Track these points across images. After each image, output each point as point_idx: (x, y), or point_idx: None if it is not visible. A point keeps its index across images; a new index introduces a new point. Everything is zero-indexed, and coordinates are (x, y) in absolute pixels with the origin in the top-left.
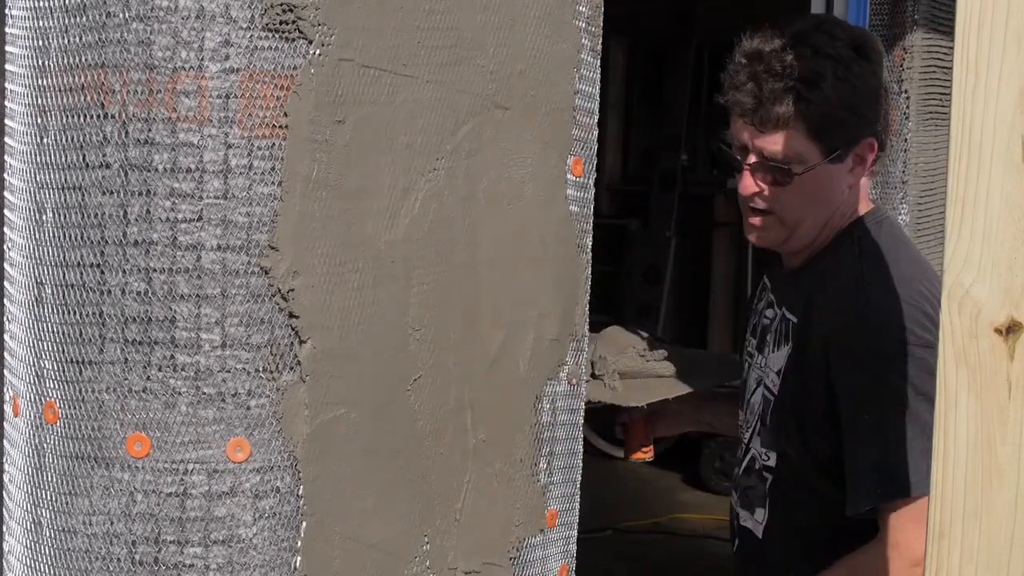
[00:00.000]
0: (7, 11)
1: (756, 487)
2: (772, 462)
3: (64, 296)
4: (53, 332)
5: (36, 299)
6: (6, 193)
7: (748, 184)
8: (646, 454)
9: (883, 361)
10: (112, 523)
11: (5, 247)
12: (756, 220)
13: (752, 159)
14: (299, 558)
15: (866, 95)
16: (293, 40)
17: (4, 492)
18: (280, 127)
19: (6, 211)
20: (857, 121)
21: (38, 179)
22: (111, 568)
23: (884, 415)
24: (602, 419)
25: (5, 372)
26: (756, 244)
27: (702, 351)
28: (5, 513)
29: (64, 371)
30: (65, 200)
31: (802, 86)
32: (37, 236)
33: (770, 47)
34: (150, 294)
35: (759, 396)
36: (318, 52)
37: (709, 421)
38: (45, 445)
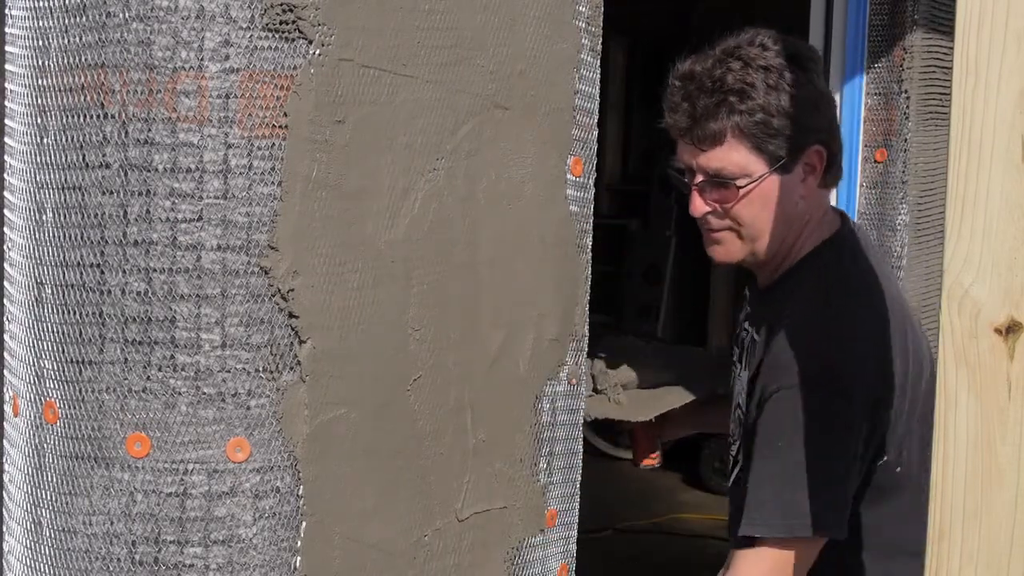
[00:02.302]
0: (7, 11)
1: (742, 500)
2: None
3: (64, 296)
4: (53, 332)
5: (36, 299)
6: (6, 193)
7: (698, 205)
8: (654, 460)
9: (794, 393)
10: (112, 523)
11: (5, 247)
12: (715, 235)
13: (698, 178)
14: (299, 558)
15: (804, 102)
16: (293, 40)
17: (4, 492)
18: (280, 127)
19: (6, 211)
20: (797, 128)
21: (38, 179)
22: (111, 568)
23: (766, 452)
24: (605, 423)
25: (5, 372)
26: (719, 261)
27: (700, 350)
28: (5, 513)
29: (64, 371)
30: (65, 200)
31: (734, 98)
32: (37, 236)
33: (701, 66)
34: (150, 294)
35: (738, 411)
36: (318, 52)
37: (714, 422)
38: (45, 445)
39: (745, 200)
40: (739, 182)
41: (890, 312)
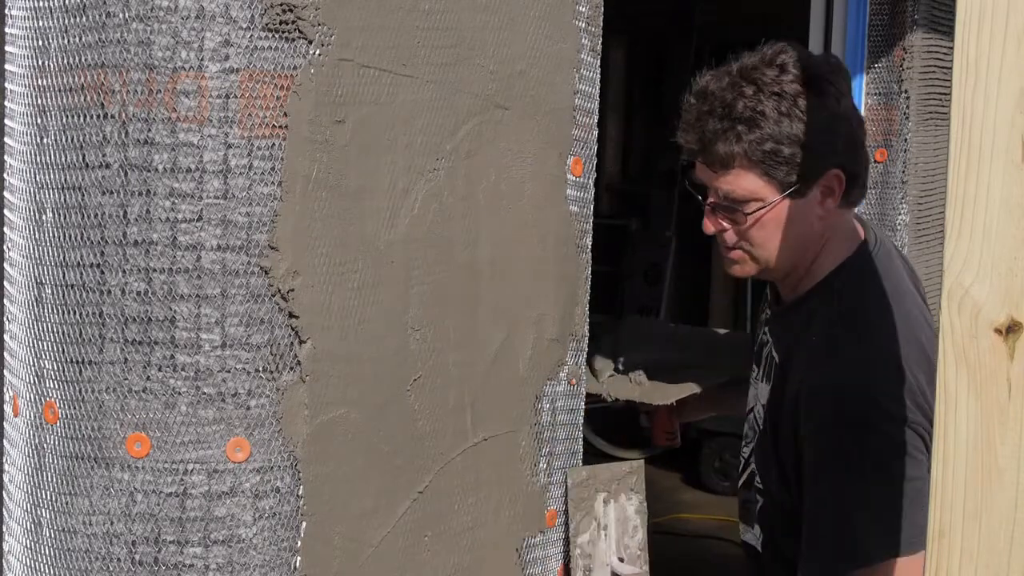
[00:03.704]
0: (7, 11)
1: (752, 503)
2: (763, 485)
3: (64, 296)
4: (53, 332)
5: (36, 299)
6: (6, 193)
7: (708, 224)
8: (672, 440)
9: (846, 430)
10: (112, 523)
11: (5, 247)
12: (729, 254)
13: (710, 199)
14: (299, 558)
15: (818, 128)
16: (293, 40)
17: (4, 492)
18: (280, 127)
19: (6, 211)
20: (810, 155)
21: (38, 179)
22: (111, 568)
23: (839, 485)
24: (605, 423)
25: (5, 372)
26: (734, 275)
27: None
28: (5, 513)
29: (64, 371)
30: (65, 200)
31: (742, 127)
32: (37, 236)
33: (716, 86)
34: (150, 294)
35: (753, 418)
36: (318, 52)
37: (732, 404)
38: (45, 445)
39: (757, 224)
40: (747, 208)
41: (902, 336)
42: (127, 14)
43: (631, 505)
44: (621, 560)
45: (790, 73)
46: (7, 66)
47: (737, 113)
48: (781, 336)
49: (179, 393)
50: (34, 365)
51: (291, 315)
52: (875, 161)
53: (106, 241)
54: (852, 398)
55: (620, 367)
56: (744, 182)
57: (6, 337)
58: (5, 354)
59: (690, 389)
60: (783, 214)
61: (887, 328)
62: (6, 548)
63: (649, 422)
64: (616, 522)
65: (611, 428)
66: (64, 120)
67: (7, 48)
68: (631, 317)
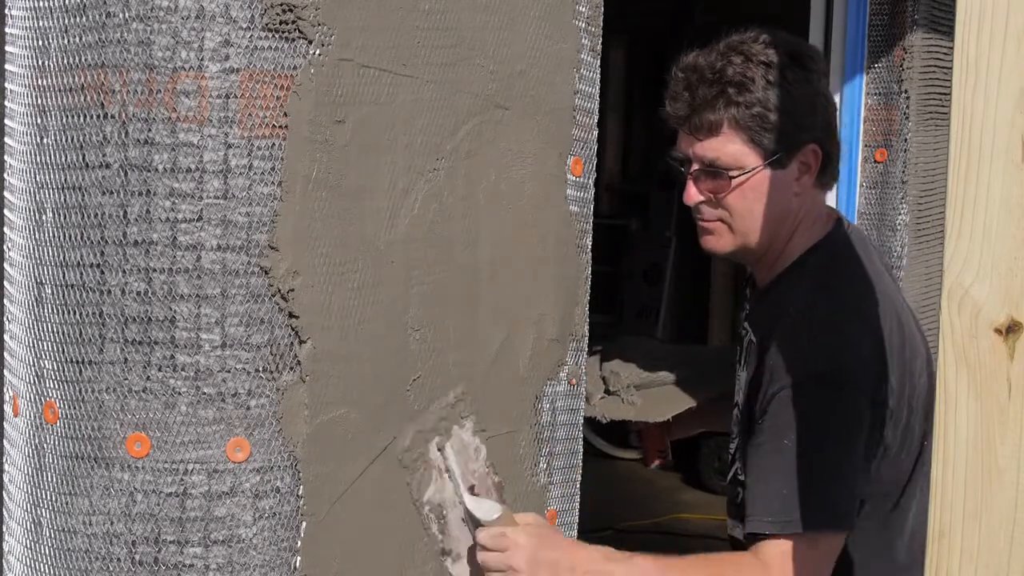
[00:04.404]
0: (7, 11)
1: (738, 497)
2: (743, 476)
3: (64, 296)
4: (53, 332)
5: (36, 299)
6: (6, 193)
7: (692, 194)
8: (664, 458)
9: (820, 390)
10: (112, 523)
11: (5, 247)
12: (706, 225)
13: (693, 167)
14: (299, 558)
15: (801, 100)
16: (293, 40)
17: (4, 492)
18: (280, 127)
19: (6, 211)
20: (793, 126)
21: (38, 179)
22: (111, 568)
23: (813, 444)
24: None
25: (5, 372)
26: (709, 251)
27: (705, 347)
28: (5, 513)
29: (64, 371)
30: (65, 200)
31: (732, 90)
32: (37, 236)
33: (705, 59)
34: (150, 294)
35: (736, 412)
36: (318, 52)
37: (722, 421)
38: (45, 445)
39: (738, 191)
40: (732, 173)
41: (881, 313)
42: (127, 14)
43: (464, 432)
44: (472, 489)
45: (776, 48)
46: (7, 66)
47: (728, 78)
48: (758, 320)
49: (179, 393)
50: (34, 365)
51: (291, 315)
52: (875, 161)
53: (106, 241)
54: (828, 359)
55: (611, 388)
56: (730, 147)
57: (6, 337)
58: (5, 354)
59: (685, 404)
60: (764, 184)
61: (865, 300)
62: (6, 548)
63: (639, 441)
64: (457, 455)
65: (611, 428)
66: (64, 120)
67: (7, 48)
68: (621, 338)
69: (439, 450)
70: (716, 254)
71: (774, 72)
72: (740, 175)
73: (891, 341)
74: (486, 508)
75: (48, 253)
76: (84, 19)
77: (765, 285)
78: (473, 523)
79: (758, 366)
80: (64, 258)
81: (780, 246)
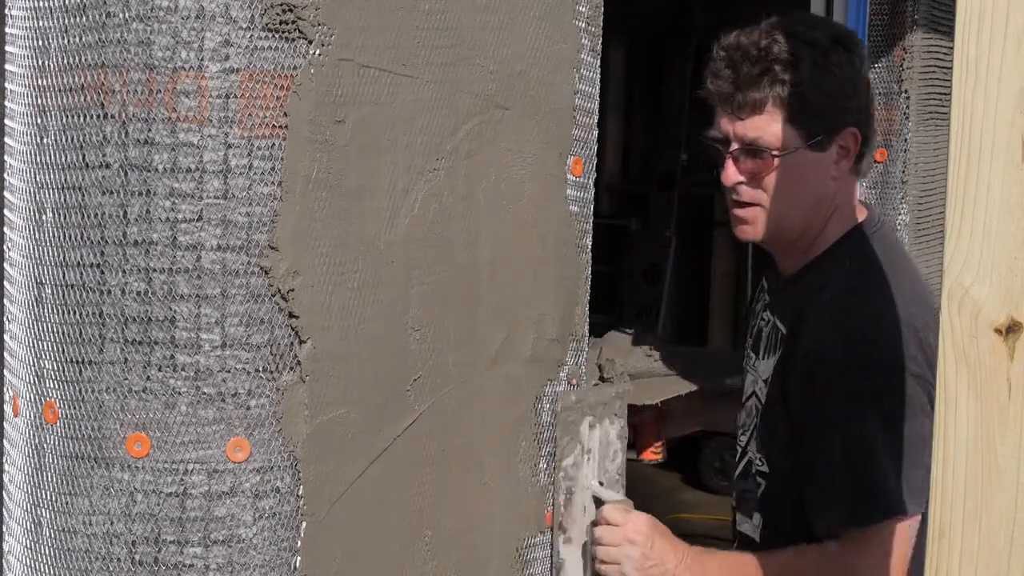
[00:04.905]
0: (7, 11)
1: (751, 492)
2: (766, 467)
3: (64, 296)
4: (53, 332)
5: (36, 299)
6: (6, 193)
7: (731, 173)
8: (657, 454)
9: (866, 380)
10: (112, 523)
11: (5, 247)
12: (741, 212)
13: (733, 146)
14: (299, 558)
15: (845, 83)
16: (293, 40)
17: (4, 492)
18: (280, 127)
19: (6, 211)
20: (836, 108)
21: (38, 179)
22: (111, 568)
23: (858, 435)
24: None
25: (5, 372)
26: (742, 238)
27: (701, 348)
28: (5, 513)
29: (64, 371)
30: (65, 200)
31: (779, 67)
32: (37, 236)
33: (748, 38)
34: (150, 294)
35: (753, 401)
36: (318, 52)
37: (717, 420)
38: (45, 445)
39: (777, 172)
40: (774, 152)
41: (918, 296)
42: (127, 14)
43: (613, 430)
44: (601, 484)
45: (819, 29)
46: (7, 66)
47: (774, 55)
48: (786, 309)
49: (179, 393)
50: (34, 365)
51: (291, 315)
52: (875, 161)
53: (106, 241)
54: (872, 348)
55: (604, 375)
56: (773, 126)
57: (6, 337)
58: (5, 354)
59: (678, 388)
60: (804, 166)
61: (902, 286)
62: (6, 548)
63: (633, 434)
64: (599, 446)
65: None
66: (64, 120)
67: (7, 48)
68: (611, 332)
69: (590, 428)
70: (748, 240)
71: (819, 53)
72: (781, 155)
73: (927, 322)
74: (613, 496)
75: (48, 253)
76: (84, 19)
77: (793, 273)
78: (597, 508)
79: (787, 352)
80: (64, 258)
81: (815, 232)
